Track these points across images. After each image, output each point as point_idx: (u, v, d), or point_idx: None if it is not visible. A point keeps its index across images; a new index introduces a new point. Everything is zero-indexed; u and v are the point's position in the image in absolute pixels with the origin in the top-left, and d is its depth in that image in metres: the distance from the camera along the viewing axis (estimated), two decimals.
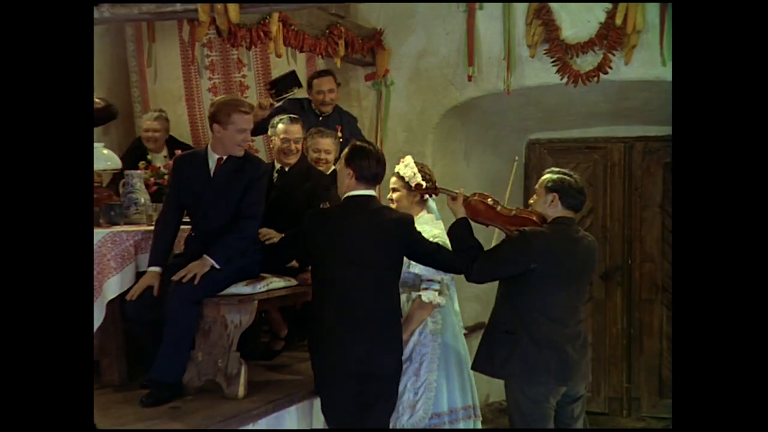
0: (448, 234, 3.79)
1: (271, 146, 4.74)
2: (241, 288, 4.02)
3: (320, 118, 5.41)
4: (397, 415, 3.90)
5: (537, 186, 3.78)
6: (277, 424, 3.91)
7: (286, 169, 4.66)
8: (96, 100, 4.89)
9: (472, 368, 3.90)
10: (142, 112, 6.29)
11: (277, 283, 4.18)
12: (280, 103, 5.26)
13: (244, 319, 3.99)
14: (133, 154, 5.55)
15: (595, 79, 5.35)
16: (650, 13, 5.16)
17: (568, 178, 3.71)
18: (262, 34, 4.70)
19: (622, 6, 5.18)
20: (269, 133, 4.75)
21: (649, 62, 5.24)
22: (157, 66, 6.22)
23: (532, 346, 3.55)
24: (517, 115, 6.28)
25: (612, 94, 5.72)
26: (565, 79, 5.41)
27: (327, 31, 5.30)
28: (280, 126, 4.64)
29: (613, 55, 5.29)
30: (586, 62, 5.39)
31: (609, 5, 5.28)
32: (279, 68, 5.86)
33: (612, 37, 5.26)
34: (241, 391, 3.95)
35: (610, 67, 5.32)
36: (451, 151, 6.23)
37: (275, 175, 4.67)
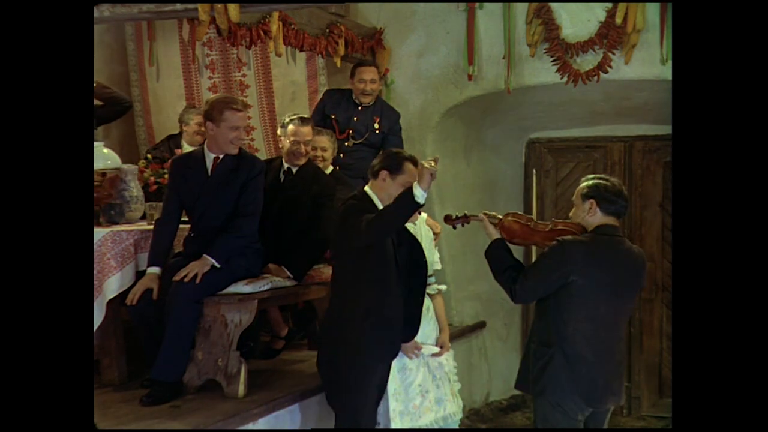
0: (487, 257, 3.67)
1: (281, 146, 4.65)
2: (241, 287, 4.02)
3: (359, 108, 5.39)
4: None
5: (574, 196, 3.62)
6: (277, 423, 3.91)
7: (294, 170, 4.58)
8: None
9: (515, 386, 3.74)
10: (142, 111, 6.29)
11: (277, 282, 4.19)
12: None
13: (244, 318, 4.00)
14: (164, 149, 5.56)
15: (595, 78, 5.34)
16: (650, 12, 5.16)
17: (602, 182, 3.52)
18: (262, 33, 4.70)
19: (622, 5, 5.17)
20: (279, 133, 4.69)
21: (649, 61, 5.24)
22: (157, 65, 6.22)
23: (565, 362, 3.39)
24: (517, 114, 6.28)
25: (612, 93, 5.72)
26: (565, 78, 5.41)
27: (327, 30, 5.30)
28: (290, 127, 4.52)
29: (613, 54, 5.29)
30: (586, 61, 5.39)
31: (609, 4, 5.28)
32: (279, 67, 5.86)
33: (612, 36, 5.25)
34: (241, 390, 3.96)
35: (610, 66, 5.31)
36: (451, 150, 6.22)
37: (281, 176, 4.62)
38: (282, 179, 4.59)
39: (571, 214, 3.65)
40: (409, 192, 3.30)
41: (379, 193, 3.66)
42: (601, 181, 3.52)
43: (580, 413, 3.46)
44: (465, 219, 3.79)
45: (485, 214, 3.70)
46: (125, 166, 4.52)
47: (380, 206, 3.61)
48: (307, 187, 4.51)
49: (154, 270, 3.99)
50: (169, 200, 4.15)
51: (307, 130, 4.53)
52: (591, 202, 3.48)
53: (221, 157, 4.06)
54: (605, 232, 3.47)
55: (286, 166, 4.61)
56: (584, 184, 3.56)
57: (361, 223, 3.43)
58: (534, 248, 3.95)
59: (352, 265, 3.64)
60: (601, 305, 3.42)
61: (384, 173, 3.64)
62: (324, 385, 3.85)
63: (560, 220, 3.66)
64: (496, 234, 3.64)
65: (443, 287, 4.23)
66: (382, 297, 3.64)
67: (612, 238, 3.48)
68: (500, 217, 3.66)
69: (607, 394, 3.48)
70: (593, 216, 3.49)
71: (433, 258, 4.17)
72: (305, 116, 4.64)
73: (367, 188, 3.71)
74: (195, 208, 4.09)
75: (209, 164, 4.07)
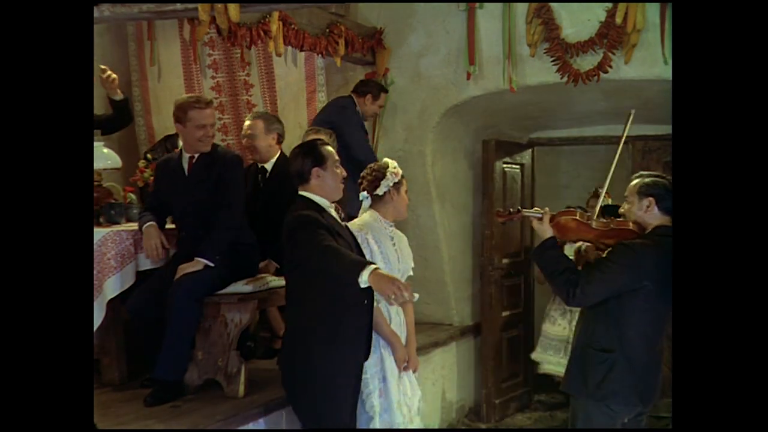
0: (537, 258, 3.53)
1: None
2: (240, 287, 4.03)
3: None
4: None
5: (627, 192, 3.49)
6: (277, 423, 3.91)
7: (268, 169, 4.62)
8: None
9: (561, 389, 3.61)
10: (143, 111, 6.29)
11: (276, 281, 4.19)
12: None
13: (244, 317, 4.01)
14: (162, 150, 5.56)
15: (596, 78, 5.34)
16: (650, 12, 5.15)
17: (661, 179, 3.42)
18: (262, 32, 4.70)
19: (622, 5, 5.16)
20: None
21: (649, 61, 5.23)
22: (158, 65, 6.22)
23: (628, 367, 3.34)
24: (517, 113, 6.28)
25: (612, 93, 5.72)
26: (565, 78, 5.41)
27: (327, 30, 5.30)
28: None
29: (613, 54, 5.28)
30: (586, 61, 5.38)
31: (609, 4, 5.26)
32: (281, 67, 5.86)
33: (612, 36, 5.25)
34: (241, 390, 3.96)
35: (610, 66, 5.30)
36: (452, 150, 6.22)
37: (259, 176, 4.69)
38: (260, 180, 4.69)
39: (623, 210, 3.53)
40: (357, 272, 3.03)
41: (319, 192, 3.46)
42: (659, 179, 3.42)
43: (627, 415, 3.42)
44: (518, 214, 3.63)
45: (544, 211, 3.52)
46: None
47: (325, 204, 3.44)
48: (284, 182, 4.45)
49: (150, 223, 4.08)
50: (149, 199, 4.34)
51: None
52: (650, 200, 3.39)
53: (196, 156, 4.14)
54: (666, 233, 3.33)
55: (260, 165, 4.72)
56: (640, 181, 3.45)
57: (312, 245, 3.20)
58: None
59: (301, 277, 3.41)
60: (662, 308, 3.37)
61: (315, 171, 3.44)
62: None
63: (618, 219, 3.53)
64: (549, 232, 3.48)
65: (416, 296, 3.72)
66: (333, 309, 3.38)
67: (671, 239, 3.33)
68: (542, 211, 3.51)
69: (657, 394, 3.48)
70: (650, 214, 3.40)
71: (409, 263, 3.90)
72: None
73: (303, 193, 3.47)
74: (177, 209, 4.16)
75: (186, 164, 4.16)
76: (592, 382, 3.37)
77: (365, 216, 3.81)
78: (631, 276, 3.30)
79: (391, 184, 3.75)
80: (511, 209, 3.71)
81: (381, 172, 3.76)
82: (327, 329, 3.38)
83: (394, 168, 3.78)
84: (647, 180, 3.44)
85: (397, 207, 3.81)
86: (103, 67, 4.61)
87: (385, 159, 3.88)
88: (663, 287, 3.29)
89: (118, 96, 4.66)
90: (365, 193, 3.78)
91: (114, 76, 4.56)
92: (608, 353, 3.35)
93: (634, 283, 3.30)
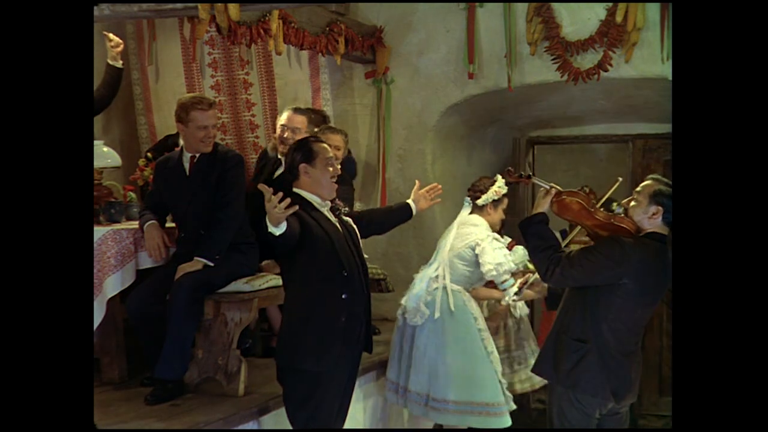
0: (524, 229, 3.54)
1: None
2: (240, 285, 4.03)
3: None
4: None
5: (639, 192, 3.46)
6: (277, 422, 3.91)
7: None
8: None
9: (531, 371, 3.71)
10: (144, 109, 6.29)
11: (276, 280, 4.19)
12: None
13: (244, 316, 4.01)
14: (164, 148, 5.54)
15: (596, 76, 5.34)
16: (651, 11, 5.16)
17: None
18: (262, 31, 4.70)
19: (622, 3, 5.17)
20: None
21: (649, 60, 5.23)
22: (158, 64, 6.21)
23: (599, 359, 3.38)
24: (517, 112, 6.28)
25: (612, 91, 5.72)
26: (565, 77, 5.41)
27: (327, 29, 5.30)
28: (284, 113, 4.68)
29: (614, 52, 5.28)
30: (586, 60, 5.38)
31: (609, 3, 5.27)
32: (281, 66, 5.86)
33: (612, 35, 5.25)
34: (241, 388, 3.97)
35: (611, 65, 5.31)
36: (452, 148, 6.22)
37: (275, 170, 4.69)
38: (275, 173, 4.66)
39: (626, 203, 3.53)
40: (265, 226, 3.10)
41: (310, 188, 3.42)
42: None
43: (600, 410, 3.47)
44: (528, 180, 3.69)
45: (553, 186, 3.55)
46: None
47: (316, 201, 3.41)
48: None
49: (152, 222, 4.11)
50: (148, 199, 4.31)
51: (300, 119, 4.60)
52: (658, 209, 3.38)
53: (197, 156, 4.11)
54: (660, 239, 3.39)
55: (279, 156, 4.67)
56: (655, 185, 3.42)
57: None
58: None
59: (285, 266, 3.45)
60: (638, 309, 3.43)
61: (303, 167, 3.39)
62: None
63: (621, 215, 3.52)
64: (545, 207, 3.52)
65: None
66: (321, 297, 3.35)
67: (663, 246, 3.40)
68: (551, 185, 3.53)
69: (631, 391, 3.52)
70: (654, 222, 3.41)
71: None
72: (302, 107, 4.78)
73: (295, 190, 3.41)
74: (178, 209, 4.14)
75: (186, 164, 4.13)
76: (563, 368, 3.44)
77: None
78: (613, 270, 3.33)
79: (490, 201, 4.51)
80: (522, 173, 3.78)
81: (486, 186, 4.54)
82: (313, 320, 3.33)
83: (498, 188, 4.52)
84: (663, 188, 3.39)
85: (492, 219, 4.57)
86: (107, 33, 4.70)
87: (498, 176, 4.54)
88: (642, 289, 3.36)
89: (119, 63, 4.74)
90: (469, 198, 4.58)
91: (119, 41, 4.72)
92: (582, 343, 3.41)
93: (614, 278, 3.34)
